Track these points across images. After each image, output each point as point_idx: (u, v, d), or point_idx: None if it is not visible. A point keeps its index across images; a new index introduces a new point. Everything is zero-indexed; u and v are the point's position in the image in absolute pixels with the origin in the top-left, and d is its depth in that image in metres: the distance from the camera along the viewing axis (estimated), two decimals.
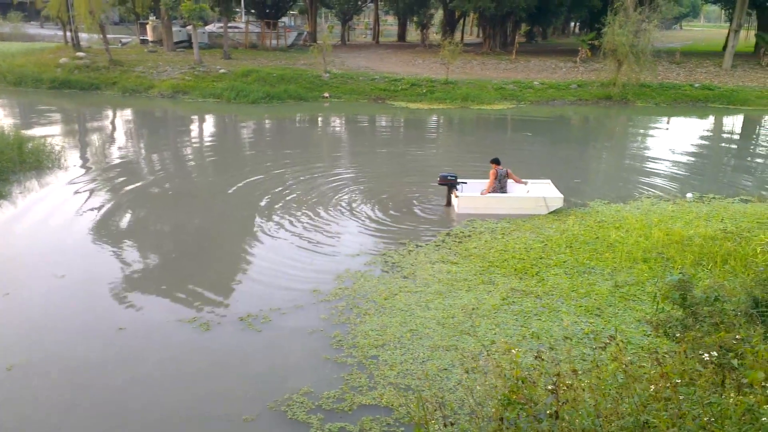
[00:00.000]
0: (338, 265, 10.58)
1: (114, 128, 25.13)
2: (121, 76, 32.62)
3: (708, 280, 8.97)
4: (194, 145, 22.15)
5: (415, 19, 56.31)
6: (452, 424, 5.06)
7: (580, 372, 3.90)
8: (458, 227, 12.50)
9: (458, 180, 13.74)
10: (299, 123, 27.86)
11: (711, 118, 30.36)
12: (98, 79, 32.44)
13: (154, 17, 42.90)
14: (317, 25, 50.67)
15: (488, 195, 13.56)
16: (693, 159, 20.99)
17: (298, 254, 11.14)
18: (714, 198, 14.73)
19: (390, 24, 75.37)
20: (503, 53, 43.16)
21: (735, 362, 3.43)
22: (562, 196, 13.50)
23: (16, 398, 6.91)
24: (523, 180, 14.01)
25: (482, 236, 11.94)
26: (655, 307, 8.27)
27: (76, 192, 14.59)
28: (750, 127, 28.86)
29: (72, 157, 18.13)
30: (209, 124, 26.96)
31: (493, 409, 3.93)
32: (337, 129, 26.93)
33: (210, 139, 23.84)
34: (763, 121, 29.87)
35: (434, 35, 58.10)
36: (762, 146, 24.34)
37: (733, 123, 30.06)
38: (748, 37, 45.53)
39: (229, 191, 15.06)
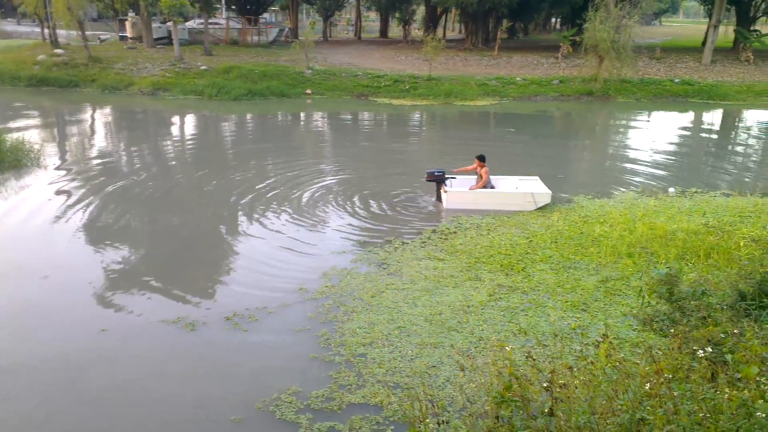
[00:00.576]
0: (324, 262, 10.52)
1: (94, 126, 24.81)
2: (101, 74, 32.22)
3: (692, 274, 9.06)
4: (176, 143, 21.93)
5: (397, 15, 56.16)
6: (446, 423, 5.04)
7: (575, 369, 3.89)
8: (444, 224, 12.49)
9: (446, 175, 13.73)
10: (282, 120, 27.71)
11: (691, 113, 30.65)
12: (77, 76, 32.01)
13: (134, 13, 42.41)
14: (299, 21, 50.41)
15: (477, 190, 13.56)
16: (674, 154, 21.17)
17: (283, 252, 11.06)
18: (696, 192, 14.86)
19: (372, 20, 75.20)
20: (485, 49, 43.25)
21: (729, 357, 3.45)
22: (550, 192, 13.54)
23: None
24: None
25: (468, 232, 11.93)
26: (641, 301, 8.32)
27: (58, 191, 14.37)
28: (729, 122, 29.20)
29: (52, 156, 17.87)
30: (191, 122, 26.71)
31: (487, 407, 3.91)
32: (321, 126, 26.81)
33: (192, 136, 23.63)
34: (742, 115, 30.23)
35: (416, 31, 58.07)
36: (741, 140, 24.63)
37: (713, 118, 30.38)
38: (726, 32, 46.04)
39: (212, 189, 14.93)
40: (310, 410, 6.59)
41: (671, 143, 22.94)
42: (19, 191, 14.54)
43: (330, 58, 38.42)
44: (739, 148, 22.94)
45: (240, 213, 13.11)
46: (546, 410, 3.41)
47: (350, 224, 12.55)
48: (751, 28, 43.09)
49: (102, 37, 43.96)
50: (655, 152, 20.46)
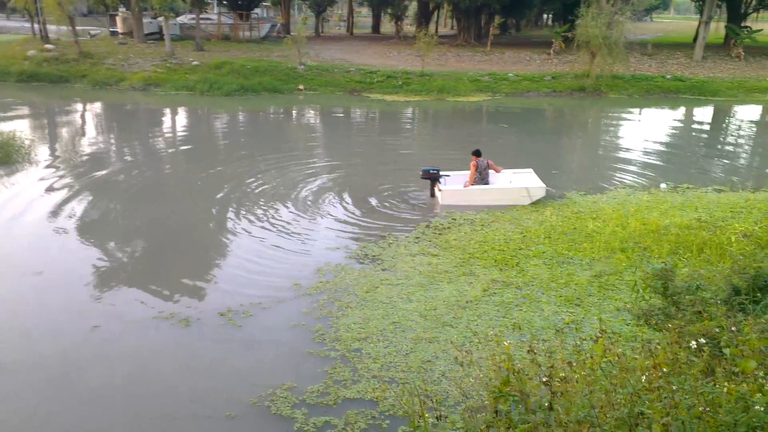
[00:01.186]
0: (318, 258, 10.51)
1: (85, 122, 24.66)
2: (91, 69, 31.97)
3: (685, 269, 9.09)
4: (168, 138, 21.81)
5: (389, 10, 56.02)
6: (445, 418, 5.04)
7: (574, 364, 3.90)
8: (437, 219, 12.49)
9: (441, 173, 13.73)
10: (274, 116, 27.63)
11: (683, 109, 30.79)
12: (68, 71, 31.77)
13: (124, 8, 42.11)
14: (291, 16, 50.19)
15: (471, 187, 13.56)
16: (666, 149, 21.26)
17: (278, 248, 11.03)
18: (688, 188, 14.93)
19: (364, 16, 74.98)
20: (478, 45, 43.22)
21: (727, 351, 3.46)
22: (544, 185, 13.57)
23: None
24: (499, 167, 14.00)
25: (462, 228, 11.95)
26: (634, 296, 8.34)
27: (49, 187, 14.27)
28: (720, 118, 29.33)
29: (42, 152, 17.75)
30: (183, 117, 26.59)
31: (486, 401, 3.91)
32: (314, 122, 26.75)
33: (184, 132, 23.50)
34: (732, 111, 30.38)
35: (408, 27, 57.95)
36: (732, 136, 24.75)
37: (704, 114, 30.52)
38: (718, 28, 46.21)
39: (204, 185, 14.88)
40: (306, 405, 6.58)
41: (663, 139, 23.03)
42: (11, 187, 14.43)
43: (322, 54, 38.30)
44: (730, 144, 23.04)
45: (233, 209, 13.07)
46: (545, 404, 3.42)
47: (344, 220, 12.54)
48: (742, 25, 43.25)
49: (92, 32, 43.58)
50: (647, 148, 20.54)
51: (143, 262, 10.68)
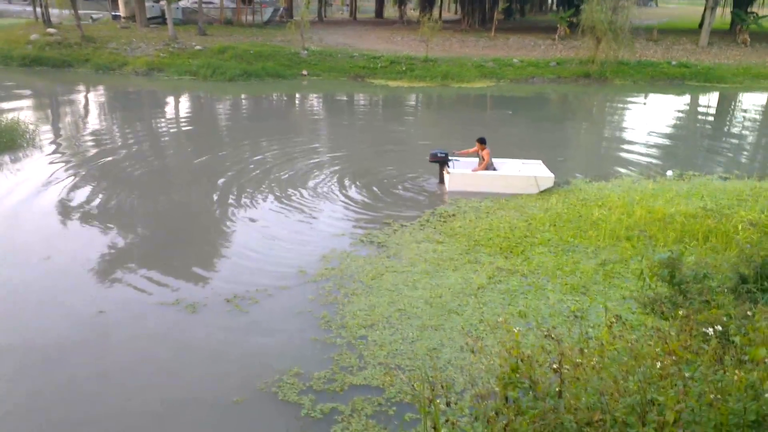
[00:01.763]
0: (323, 245, 10.52)
1: (88, 106, 24.60)
2: (94, 53, 31.86)
3: (691, 257, 9.09)
4: (172, 123, 21.78)
5: None
6: (455, 404, 5.07)
7: (585, 351, 3.92)
8: (442, 207, 12.49)
9: (449, 157, 13.69)
10: (278, 101, 27.55)
11: (688, 96, 30.62)
12: (70, 56, 31.64)
13: None
14: (293, 0, 49.85)
15: (480, 172, 13.53)
16: (672, 136, 21.19)
17: (283, 234, 11.04)
18: (694, 175, 14.89)
19: (367, 0, 74.53)
20: (482, 30, 42.99)
21: (737, 339, 3.48)
22: (553, 175, 13.53)
23: None
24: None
25: (467, 215, 11.94)
26: (640, 284, 8.35)
27: (54, 172, 14.25)
28: (726, 105, 29.20)
29: (47, 137, 17.74)
30: (186, 102, 26.52)
31: (495, 388, 3.93)
32: (317, 107, 26.68)
33: (188, 117, 23.47)
34: (738, 98, 30.22)
35: (412, 12, 57.61)
36: (738, 123, 24.64)
37: (710, 100, 30.37)
38: (723, 14, 45.89)
39: (209, 171, 14.86)
40: (313, 391, 6.62)
41: (669, 126, 22.95)
42: (16, 173, 14.44)
43: (326, 39, 38.11)
44: (736, 131, 22.94)
45: (239, 195, 13.07)
46: (556, 390, 3.44)
47: (349, 206, 12.54)
48: (748, 10, 42.93)
49: (94, 16, 43.35)
50: (652, 135, 20.46)
51: (149, 248, 10.70)
